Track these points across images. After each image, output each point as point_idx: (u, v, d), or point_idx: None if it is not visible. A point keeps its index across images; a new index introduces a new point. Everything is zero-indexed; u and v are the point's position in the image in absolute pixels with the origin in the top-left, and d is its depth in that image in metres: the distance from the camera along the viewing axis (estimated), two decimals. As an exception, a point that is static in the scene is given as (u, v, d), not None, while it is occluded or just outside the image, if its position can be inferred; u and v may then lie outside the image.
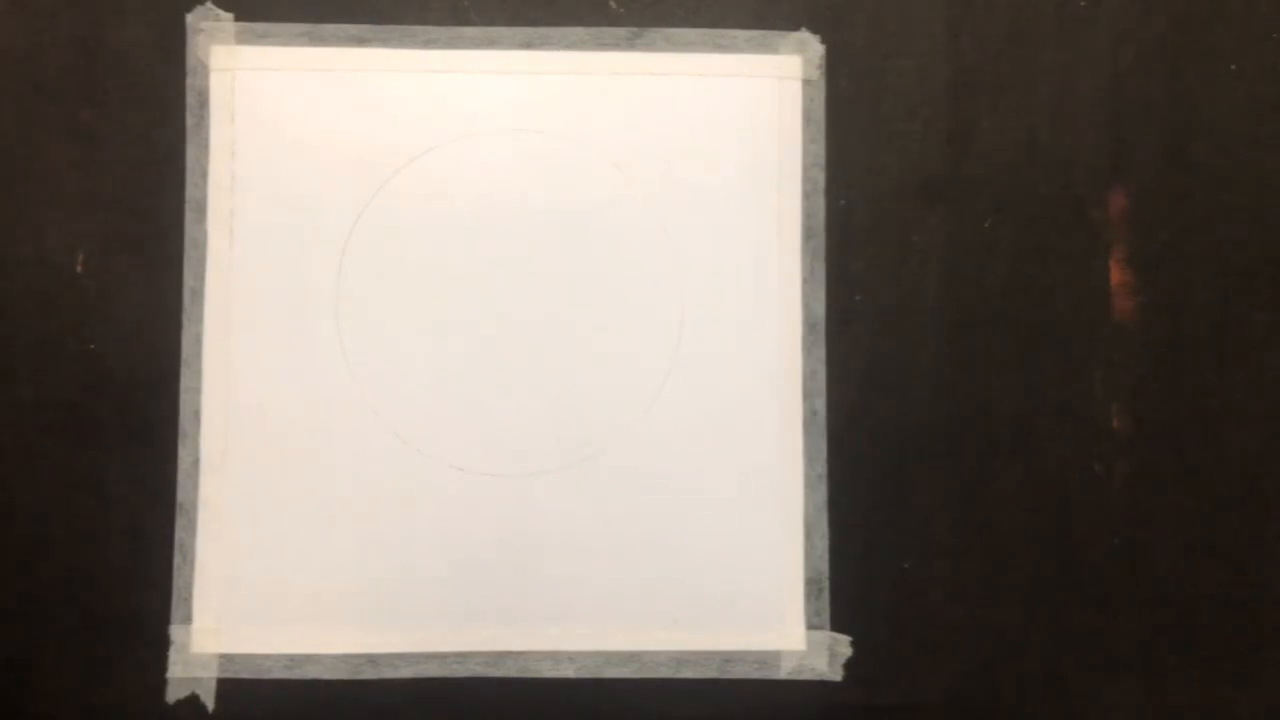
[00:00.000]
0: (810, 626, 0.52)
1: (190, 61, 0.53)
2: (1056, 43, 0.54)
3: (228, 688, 0.51)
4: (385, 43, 0.53)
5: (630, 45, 0.53)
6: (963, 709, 0.52)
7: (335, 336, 0.52)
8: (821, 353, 0.53)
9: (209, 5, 0.53)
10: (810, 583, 0.52)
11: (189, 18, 0.53)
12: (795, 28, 0.53)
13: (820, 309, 0.53)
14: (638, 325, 0.53)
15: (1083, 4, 0.54)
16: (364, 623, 0.51)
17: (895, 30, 0.54)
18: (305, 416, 0.52)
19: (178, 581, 0.51)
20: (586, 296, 0.53)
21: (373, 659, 0.51)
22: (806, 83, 0.53)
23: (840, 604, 0.52)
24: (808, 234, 0.53)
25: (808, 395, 0.52)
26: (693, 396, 0.52)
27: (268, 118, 0.53)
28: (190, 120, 0.53)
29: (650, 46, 0.53)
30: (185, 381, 0.52)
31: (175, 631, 0.51)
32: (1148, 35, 0.54)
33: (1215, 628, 0.52)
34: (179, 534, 0.51)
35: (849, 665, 0.52)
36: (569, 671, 0.51)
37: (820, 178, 0.53)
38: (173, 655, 0.51)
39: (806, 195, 0.53)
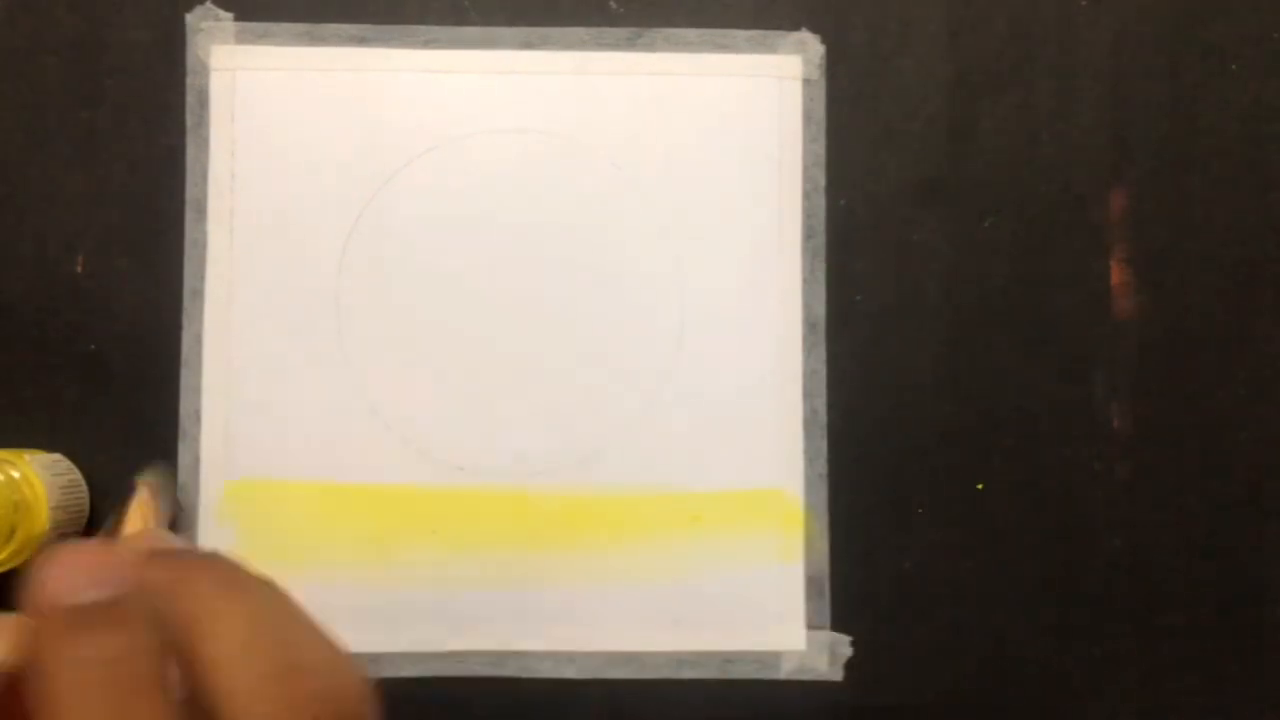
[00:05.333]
0: (810, 626, 0.52)
1: (190, 61, 0.53)
2: (1056, 43, 0.54)
3: (228, 687, 0.51)
4: (385, 42, 0.53)
5: (630, 45, 0.53)
6: (963, 709, 0.52)
7: (335, 336, 0.52)
8: (822, 353, 0.53)
9: (209, 5, 0.53)
10: (810, 583, 0.52)
11: (189, 18, 0.53)
12: (795, 28, 0.53)
13: (820, 309, 0.53)
14: (638, 325, 0.53)
15: (1083, 4, 0.54)
16: (364, 622, 0.51)
17: (895, 30, 0.54)
18: (305, 416, 0.52)
19: (178, 581, 0.51)
20: (586, 296, 0.53)
21: (373, 658, 0.51)
22: (806, 83, 0.53)
23: (840, 604, 0.52)
24: (808, 234, 0.53)
25: (808, 395, 0.52)
26: (693, 396, 0.52)
27: (268, 118, 0.53)
28: (190, 120, 0.53)
29: (650, 46, 0.53)
30: (185, 381, 0.52)
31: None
32: (1148, 35, 0.54)
33: (1215, 628, 0.52)
34: (179, 534, 0.51)
35: (849, 665, 0.52)
36: (569, 671, 0.51)
37: (820, 177, 0.53)
38: (173, 655, 0.51)
39: (806, 195, 0.53)
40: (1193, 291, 0.53)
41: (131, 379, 0.52)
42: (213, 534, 0.51)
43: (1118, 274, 0.53)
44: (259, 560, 0.52)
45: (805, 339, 0.53)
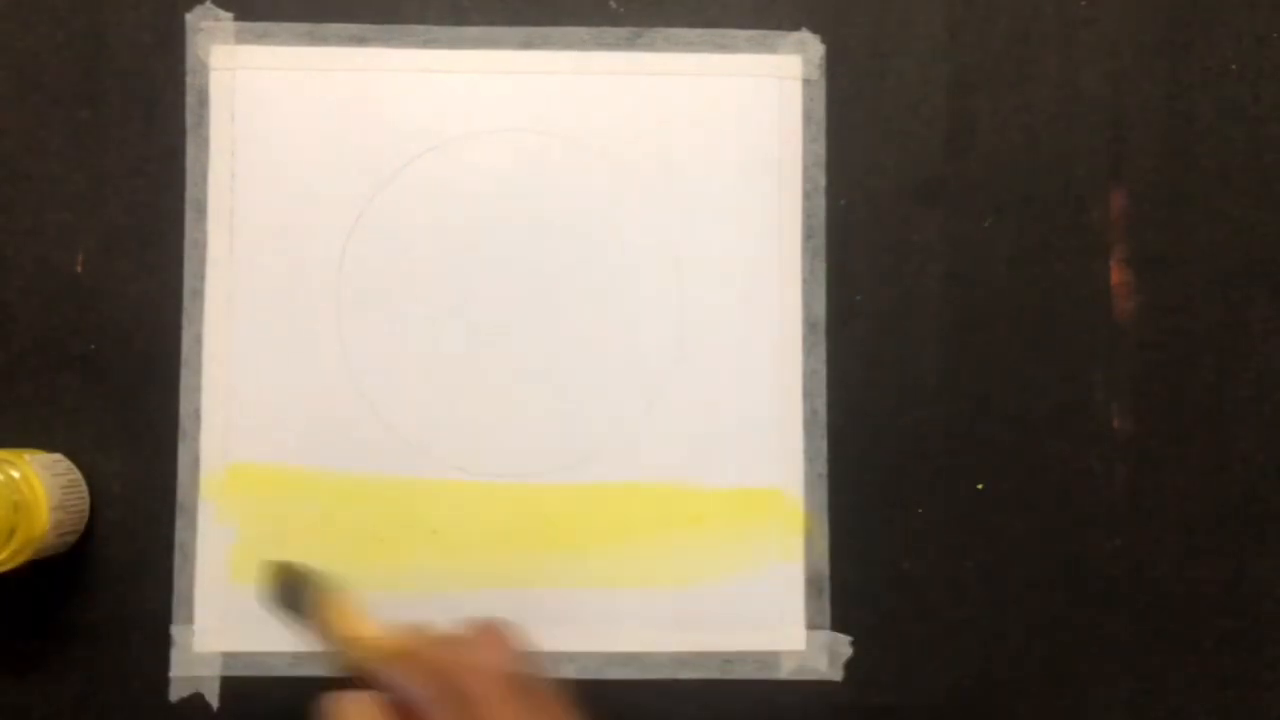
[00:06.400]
0: (810, 626, 0.52)
1: (190, 61, 0.53)
2: (1056, 43, 0.54)
3: (231, 686, 0.51)
4: (385, 42, 0.53)
5: (630, 45, 0.53)
6: (963, 709, 0.52)
7: (335, 336, 0.52)
8: (822, 353, 0.53)
9: (209, 5, 0.53)
10: (810, 583, 0.52)
11: (189, 17, 0.53)
12: (795, 28, 0.53)
13: (820, 309, 0.53)
14: (638, 325, 0.53)
15: (1083, 4, 0.54)
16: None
17: (895, 30, 0.54)
18: (305, 416, 0.52)
19: (179, 581, 0.51)
20: (587, 296, 0.53)
21: (373, 658, 0.51)
22: (806, 82, 0.53)
23: (840, 604, 0.52)
24: (808, 234, 0.53)
25: (808, 395, 0.52)
26: (693, 396, 0.52)
27: (268, 117, 0.53)
28: (190, 120, 0.53)
29: (650, 46, 0.53)
30: (185, 381, 0.52)
31: (178, 631, 0.51)
32: (1148, 35, 0.54)
33: (1215, 627, 0.52)
34: (179, 534, 0.51)
35: (849, 665, 0.52)
36: (569, 671, 0.51)
37: (820, 177, 0.53)
38: (175, 654, 0.51)
39: (806, 195, 0.53)
40: (1193, 291, 0.53)
41: (131, 379, 0.52)
42: (213, 530, 0.51)
43: (1118, 274, 0.53)
44: (259, 559, 0.52)
45: (805, 339, 0.53)
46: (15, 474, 0.47)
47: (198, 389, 0.52)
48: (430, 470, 0.52)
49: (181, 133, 0.53)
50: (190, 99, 0.53)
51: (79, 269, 0.52)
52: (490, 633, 0.41)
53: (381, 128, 0.53)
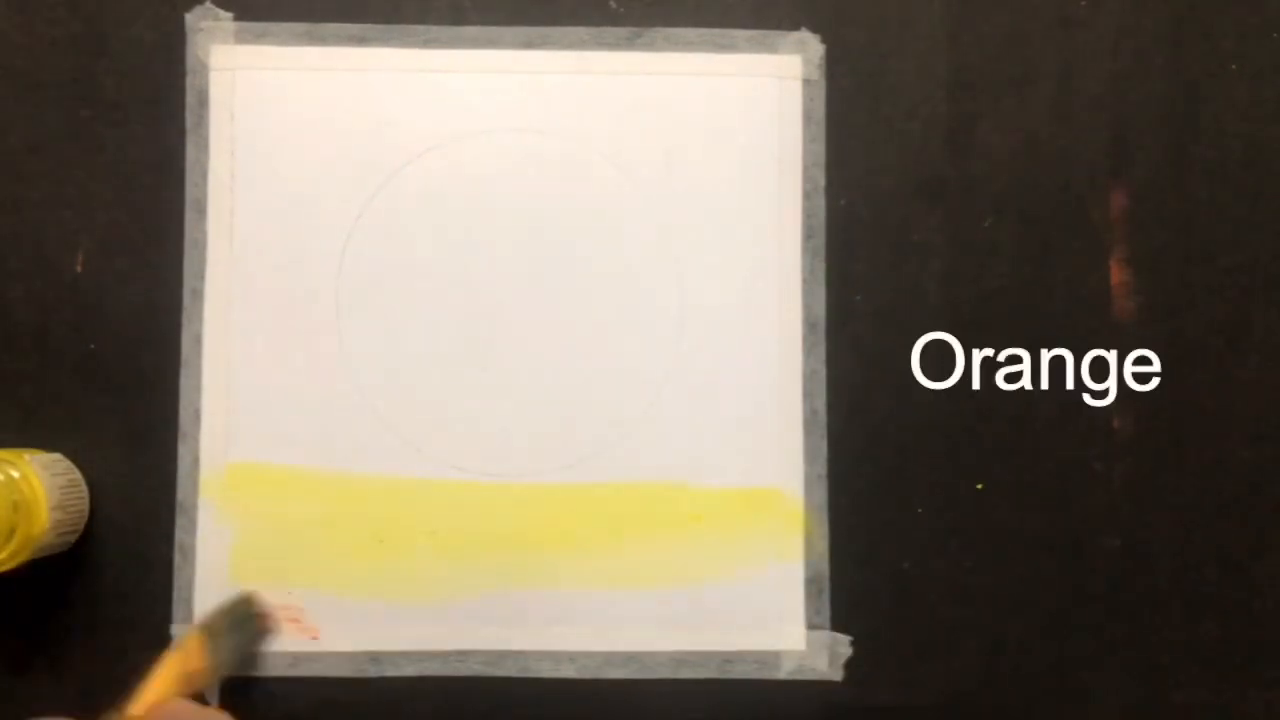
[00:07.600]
0: (810, 626, 0.52)
1: (190, 61, 0.53)
2: (1056, 43, 0.54)
3: (229, 686, 0.51)
4: (385, 42, 0.53)
5: (630, 45, 0.53)
6: (963, 709, 0.52)
7: (335, 336, 0.52)
8: (821, 353, 0.53)
9: (209, 5, 0.53)
10: (810, 583, 0.52)
11: (189, 17, 0.53)
12: (795, 27, 0.53)
13: (820, 309, 0.53)
14: (637, 325, 0.53)
15: (1083, 4, 0.54)
16: (364, 621, 0.51)
17: (895, 30, 0.54)
18: (305, 416, 0.52)
19: (178, 581, 0.51)
20: (586, 296, 0.53)
21: (374, 657, 0.51)
22: (806, 82, 0.53)
23: (840, 604, 0.52)
24: (808, 234, 0.53)
25: (808, 395, 0.52)
26: (693, 396, 0.52)
27: (268, 117, 0.53)
28: (190, 119, 0.53)
29: (650, 46, 0.53)
30: (185, 381, 0.52)
31: (177, 631, 0.51)
32: (1148, 35, 0.54)
33: (1215, 628, 0.52)
34: (179, 534, 0.51)
35: (849, 665, 0.52)
36: (569, 671, 0.51)
37: (820, 177, 0.53)
38: (173, 655, 0.51)
39: (806, 195, 0.53)
40: (1193, 291, 0.53)
41: (131, 379, 0.52)
42: (212, 530, 0.51)
43: (1118, 274, 0.53)
44: (259, 559, 0.52)
45: (805, 339, 0.53)
46: (15, 474, 0.47)
47: (198, 389, 0.52)
48: (429, 470, 0.52)
49: (181, 133, 0.53)
50: (190, 99, 0.53)
51: (79, 269, 0.52)
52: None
53: (381, 128, 0.53)
